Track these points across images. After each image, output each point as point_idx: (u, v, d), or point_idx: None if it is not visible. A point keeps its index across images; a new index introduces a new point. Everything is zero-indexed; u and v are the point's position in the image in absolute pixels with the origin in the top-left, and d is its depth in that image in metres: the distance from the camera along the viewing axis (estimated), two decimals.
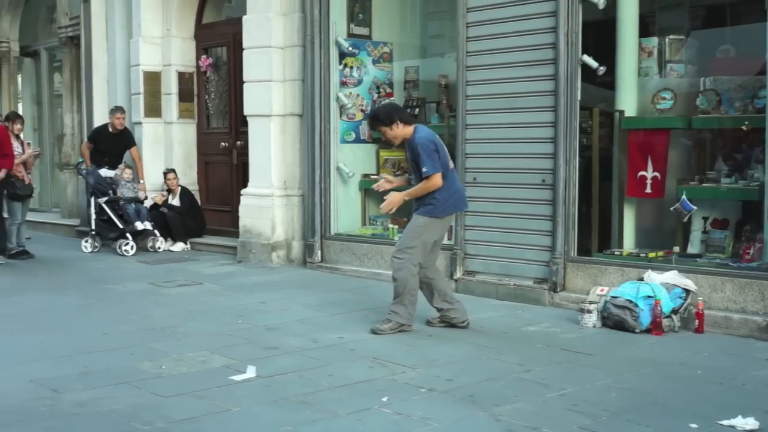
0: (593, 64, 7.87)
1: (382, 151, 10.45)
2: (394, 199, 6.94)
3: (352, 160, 10.34)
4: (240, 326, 7.13)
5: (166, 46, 12.56)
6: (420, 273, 6.90)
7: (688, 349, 6.33)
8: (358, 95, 10.40)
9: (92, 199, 11.76)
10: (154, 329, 7.03)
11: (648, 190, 7.97)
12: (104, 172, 11.98)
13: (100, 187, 11.79)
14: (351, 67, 10.38)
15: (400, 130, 6.85)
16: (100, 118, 13.05)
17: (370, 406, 4.96)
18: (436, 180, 6.70)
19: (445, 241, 8.82)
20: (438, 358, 6.07)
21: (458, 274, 8.61)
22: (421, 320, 7.08)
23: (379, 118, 6.96)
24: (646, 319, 6.72)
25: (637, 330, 6.72)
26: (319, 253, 10.14)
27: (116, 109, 12.28)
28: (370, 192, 10.39)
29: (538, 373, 5.65)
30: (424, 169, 6.66)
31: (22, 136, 11.89)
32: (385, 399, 5.07)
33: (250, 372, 5.64)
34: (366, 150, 10.53)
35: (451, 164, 6.96)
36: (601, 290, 7.19)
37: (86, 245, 11.85)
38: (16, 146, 11.24)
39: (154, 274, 9.95)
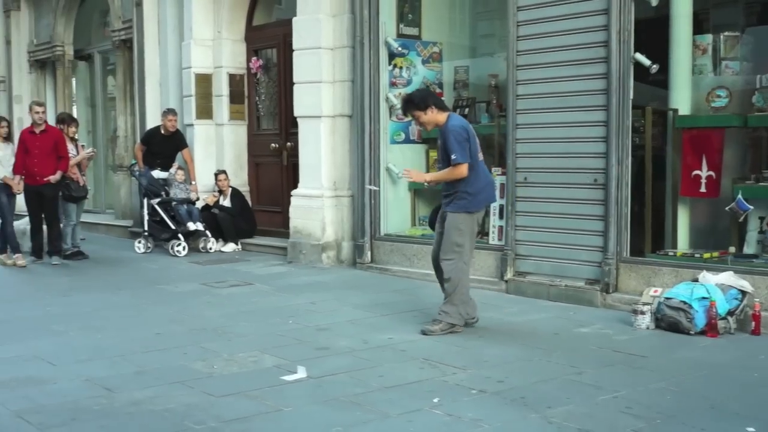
0: (646, 62, 7.78)
1: (432, 151, 10.41)
2: (416, 173, 7.13)
3: (402, 160, 10.32)
4: (291, 326, 7.17)
5: (217, 48, 12.70)
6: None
7: (744, 351, 6.24)
8: None
9: (145, 201, 11.93)
10: (206, 329, 7.10)
11: (702, 189, 7.86)
12: (157, 173, 12.15)
13: (153, 188, 11.94)
14: (400, 68, 10.38)
15: (434, 116, 6.86)
16: (153, 120, 13.24)
17: (421, 407, 4.95)
18: (463, 169, 6.70)
19: (496, 242, 8.86)
20: (489, 360, 6.04)
21: (509, 275, 8.56)
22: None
23: (414, 101, 6.97)
24: (701, 320, 6.62)
25: (691, 332, 6.63)
26: (368, 253, 10.16)
27: (168, 112, 12.41)
28: (419, 192, 10.41)
29: (590, 375, 5.60)
30: (453, 156, 6.66)
31: (76, 138, 12.08)
32: (435, 400, 5.06)
33: (301, 372, 5.66)
34: (415, 150, 10.51)
35: (481, 156, 6.95)
36: (655, 291, 7.10)
37: (139, 246, 12.01)
38: (71, 148, 11.42)
39: (206, 274, 10.06)
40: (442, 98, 10.21)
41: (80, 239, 11.97)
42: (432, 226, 7.44)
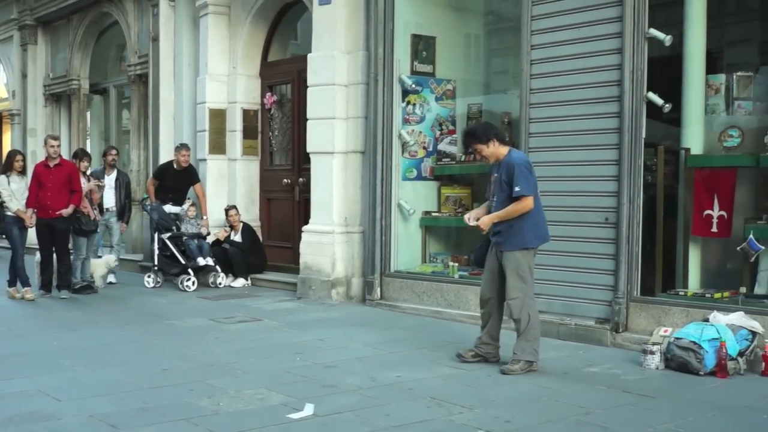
0: (659, 101, 7.85)
1: (444, 188, 10.51)
2: (486, 221, 6.89)
3: (413, 197, 10.41)
4: (298, 363, 7.19)
5: (231, 83, 12.84)
6: (491, 302, 7.07)
7: (754, 392, 6.23)
8: (420, 132, 10.48)
9: (156, 235, 12.03)
10: (213, 365, 7.13)
11: (714, 229, 7.89)
12: (168, 208, 12.24)
13: (164, 222, 12.04)
14: (414, 105, 10.47)
15: (496, 149, 6.92)
16: (166, 154, 13.37)
17: None
18: (528, 202, 6.74)
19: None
20: (496, 399, 6.05)
21: None
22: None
23: (476, 135, 7.03)
24: (710, 361, 6.62)
25: (701, 372, 6.62)
26: (378, 290, 10.19)
27: (181, 147, 12.55)
28: (430, 229, 10.45)
29: (599, 416, 5.60)
30: (517, 188, 6.69)
31: (89, 172, 12.19)
32: None
33: (308, 410, 5.68)
34: (427, 187, 10.58)
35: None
36: (665, 331, 7.10)
37: (149, 280, 12.09)
38: (83, 182, 11.52)
39: (215, 309, 10.09)
40: (455, 135, 10.37)
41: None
42: (479, 263, 7.46)
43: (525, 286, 6.89)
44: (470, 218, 7.10)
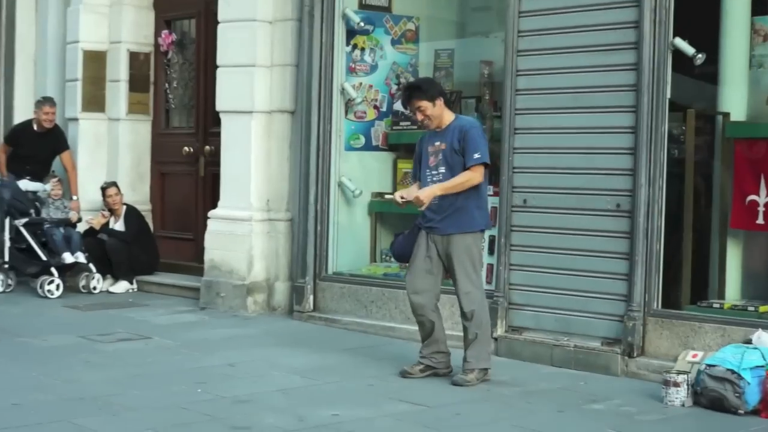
0: (688, 50, 7.92)
1: (401, 161, 10.45)
2: (427, 193, 7.27)
3: (360, 173, 10.42)
4: (200, 397, 7.16)
5: (114, 17, 12.77)
6: (429, 304, 7.59)
7: None
8: (370, 86, 10.49)
9: (7, 221, 11.86)
10: (82, 399, 7.06)
11: (760, 220, 7.96)
12: (24, 184, 12.09)
13: (19, 204, 11.88)
14: (362, 49, 10.48)
15: (442, 110, 7.42)
16: (23, 112, 13.29)
17: None
18: (480, 174, 7.32)
19: (484, 286, 8.85)
20: None
21: (500, 331, 8.58)
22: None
23: (423, 88, 7.45)
24: (753, 396, 6.67)
25: (740, 411, 6.67)
26: (311, 298, 10.19)
27: (44, 101, 12.44)
28: (383, 217, 10.42)
29: None
30: (476, 155, 7.26)
31: None
32: None
33: None
34: (379, 160, 10.62)
35: None
36: (694, 356, 7.15)
37: None
38: None
39: (87, 323, 10.04)
40: None
41: None
42: (401, 258, 7.92)
43: (478, 278, 7.42)
44: (401, 195, 7.53)
